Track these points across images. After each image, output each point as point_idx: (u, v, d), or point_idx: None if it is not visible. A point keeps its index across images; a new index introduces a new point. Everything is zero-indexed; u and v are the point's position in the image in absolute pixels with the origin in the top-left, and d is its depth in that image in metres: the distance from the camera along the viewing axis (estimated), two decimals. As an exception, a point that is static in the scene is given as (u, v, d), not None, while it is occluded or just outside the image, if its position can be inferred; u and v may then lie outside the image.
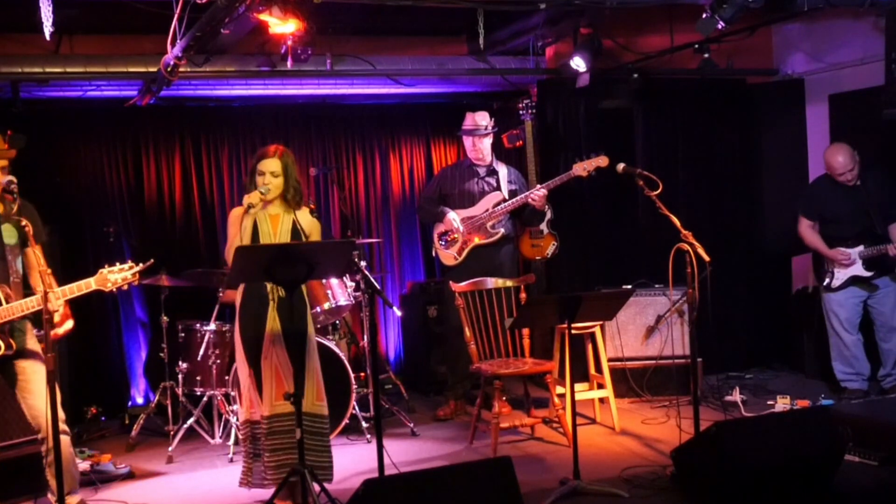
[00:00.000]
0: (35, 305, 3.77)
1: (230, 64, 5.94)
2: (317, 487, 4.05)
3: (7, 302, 3.80)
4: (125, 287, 3.81)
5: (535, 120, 6.25)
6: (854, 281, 5.70)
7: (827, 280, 5.77)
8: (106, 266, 3.77)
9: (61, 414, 3.92)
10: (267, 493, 4.28)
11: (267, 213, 4.35)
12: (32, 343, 4.02)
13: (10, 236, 3.90)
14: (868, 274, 5.65)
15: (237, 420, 4.55)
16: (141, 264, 3.84)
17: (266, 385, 4.25)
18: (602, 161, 5.67)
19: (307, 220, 4.38)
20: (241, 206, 4.26)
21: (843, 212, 5.70)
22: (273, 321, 4.26)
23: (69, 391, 5.60)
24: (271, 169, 4.28)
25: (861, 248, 5.64)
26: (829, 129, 6.89)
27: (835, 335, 5.85)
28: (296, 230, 4.34)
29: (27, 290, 3.99)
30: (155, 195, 6.79)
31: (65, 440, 3.92)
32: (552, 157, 6.62)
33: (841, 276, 5.71)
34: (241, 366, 4.36)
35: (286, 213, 4.36)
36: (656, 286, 6.17)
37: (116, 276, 3.73)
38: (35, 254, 3.72)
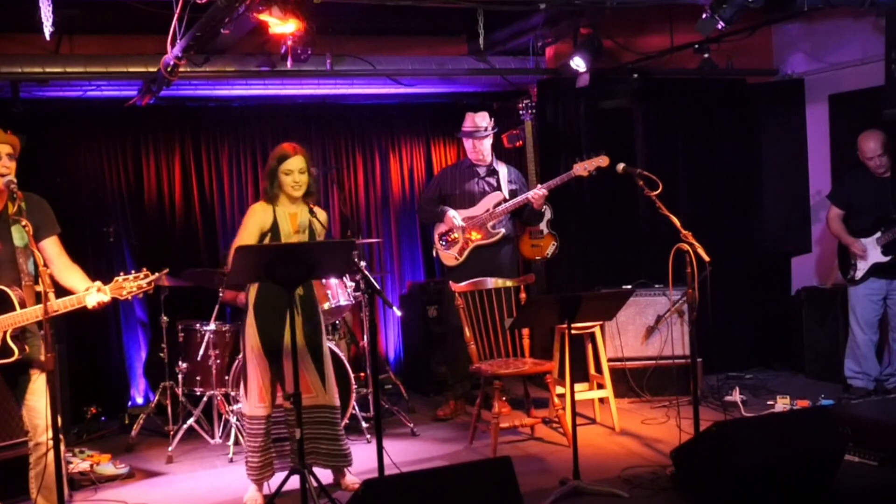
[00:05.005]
0: (65, 304, 3.68)
1: (230, 64, 5.94)
2: (315, 484, 4.05)
3: (22, 306, 3.71)
4: (140, 295, 3.78)
5: (535, 120, 6.25)
6: (875, 270, 5.73)
7: (851, 273, 5.83)
8: (121, 274, 3.74)
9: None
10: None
11: (286, 212, 4.39)
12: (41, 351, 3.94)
13: (20, 238, 3.82)
14: (886, 259, 5.69)
15: (239, 416, 4.52)
16: (156, 273, 3.79)
17: (290, 379, 4.26)
18: (602, 161, 5.67)
19: (322, 216, 4.45)
20: (261, 203, 4.37)
21: (868, 201, 5.77)
22: (294, 316, 4.30)
23: (69, 391, 5.59)
24: (299, 166, 4.35)
25: (878, 234, 5.71)
26: (829, 130, 6.89)
27: (851, 331, 5.93)
28: (311, 228, 4.41)
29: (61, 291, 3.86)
30: (155, 195, 6.79)
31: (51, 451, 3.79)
32: (552, 157, 6.61)
33: (863, 266, 5.77)
34: (257, 362, 4.34)
35: (303, 209, 4.40)
36: (656, 286, 6.17)
37: (132, 284, 3.70)
38: (36, 253, 3.68)
